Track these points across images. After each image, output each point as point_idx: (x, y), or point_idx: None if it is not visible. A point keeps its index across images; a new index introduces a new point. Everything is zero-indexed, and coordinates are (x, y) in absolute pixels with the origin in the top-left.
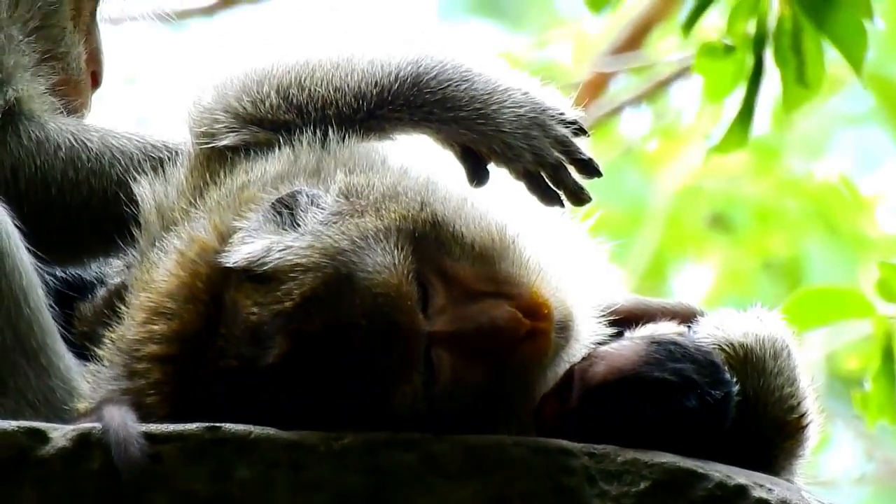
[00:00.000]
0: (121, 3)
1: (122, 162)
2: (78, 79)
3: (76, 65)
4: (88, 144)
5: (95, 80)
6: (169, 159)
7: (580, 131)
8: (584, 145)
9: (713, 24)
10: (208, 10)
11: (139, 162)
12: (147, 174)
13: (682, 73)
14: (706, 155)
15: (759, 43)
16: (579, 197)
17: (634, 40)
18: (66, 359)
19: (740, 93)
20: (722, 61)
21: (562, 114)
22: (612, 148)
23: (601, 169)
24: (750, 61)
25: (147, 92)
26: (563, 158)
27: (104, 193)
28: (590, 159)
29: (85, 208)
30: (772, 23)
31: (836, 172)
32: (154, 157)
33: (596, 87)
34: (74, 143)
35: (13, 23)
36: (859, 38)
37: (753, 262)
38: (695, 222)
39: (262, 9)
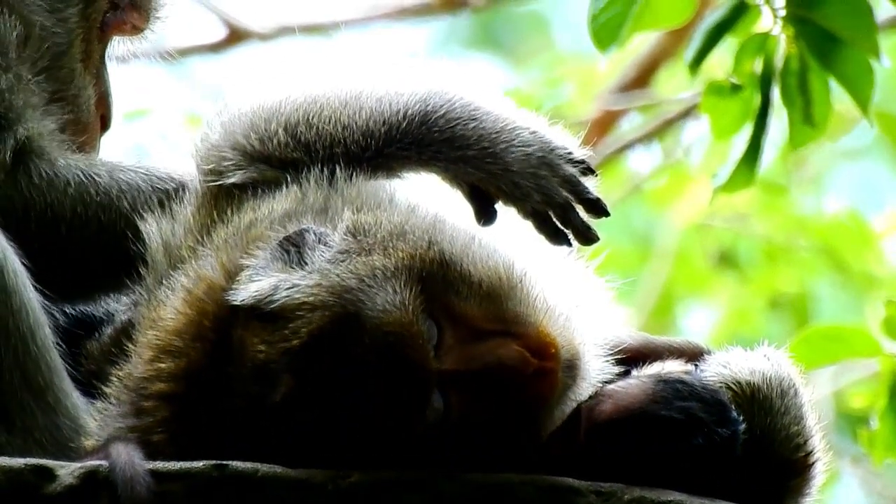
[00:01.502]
0: (128, 44)
1: (130, 195)
2: (87, 121)
3: (86, 106)
4: (97, 179)
5: (104, 124)
6: (175, 190)
7: (588, 171)
8: (593, 185)
9: (720, 62)
10: (215, 48)
11: (147, 195)
12: (154, 209)
13: (690, 111)
14: (713, 194)
15: (765, 82)
16: (587, 236)
17: (642, 78)
18: (73, 397)
19: (747, 131)
20: (729, 100)
21: (570, 153)
22: (620, 185)
23: (609, 209)
24: (757, 100)
25: (153, 128)
26: (572, 198)
27: (113, 228)
28: (598, 199)
29: (95, 244)
30: (779, 62)
31: (844, 209)
32: (161, 189)
33: (604, 124)
34: (84, 179)
35: (22, 62)
36: (866, 78)
37: (761, 300)
38: (702, 260)
39: (269, 46)
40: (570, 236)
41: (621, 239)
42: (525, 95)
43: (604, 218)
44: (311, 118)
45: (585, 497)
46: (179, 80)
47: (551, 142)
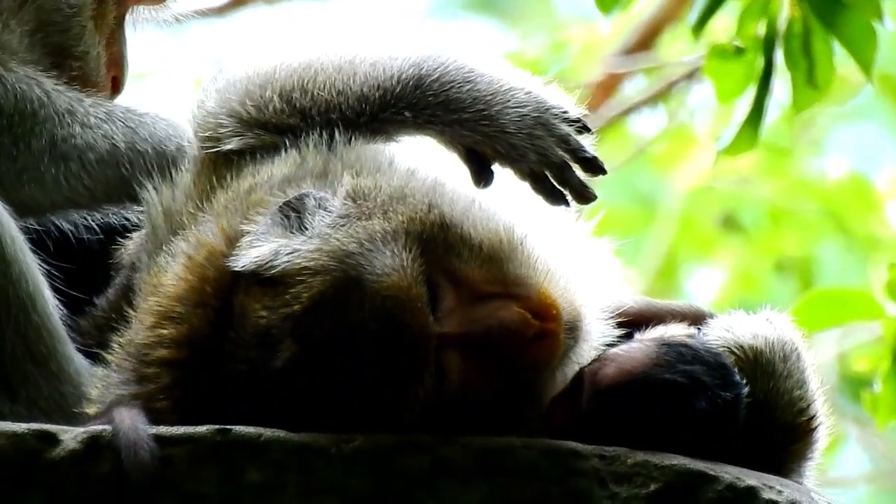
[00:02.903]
0: (150, 13)
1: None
2: (96, 80)
3: (95, 65)
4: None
5: (116, 86)
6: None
7: (584, 129)
8: (589, 143)
9: (723, 25)
10: (220, 11)
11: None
12: (151, 175)
13: (694, 74)
14: (717, 157)
15: (769, 45)
16: (584, 195)
17: (645, 42)
18: (76, 362)
19: (750, 94)
20: (732, 63)
21: (565, 112)
22: (624, 149)
23: (606, 167)
24: (760, 63)
25: (154, 92)
26: (568, 157)
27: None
28: (594, 157)
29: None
30: (782, 25)
31: (848, 172)
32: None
33: (607, 88)
34: (29, 94)
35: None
36: (869, 40)
37: (765, 263)
38: (706, 223)
39: (275, 9)
40: (568, 196)
41: (625, 202)
42: (528, 59)
43: (601, 176)
44: (305, 84)
45: (588, 461)
46: (183, 43)
47: (546, 102)
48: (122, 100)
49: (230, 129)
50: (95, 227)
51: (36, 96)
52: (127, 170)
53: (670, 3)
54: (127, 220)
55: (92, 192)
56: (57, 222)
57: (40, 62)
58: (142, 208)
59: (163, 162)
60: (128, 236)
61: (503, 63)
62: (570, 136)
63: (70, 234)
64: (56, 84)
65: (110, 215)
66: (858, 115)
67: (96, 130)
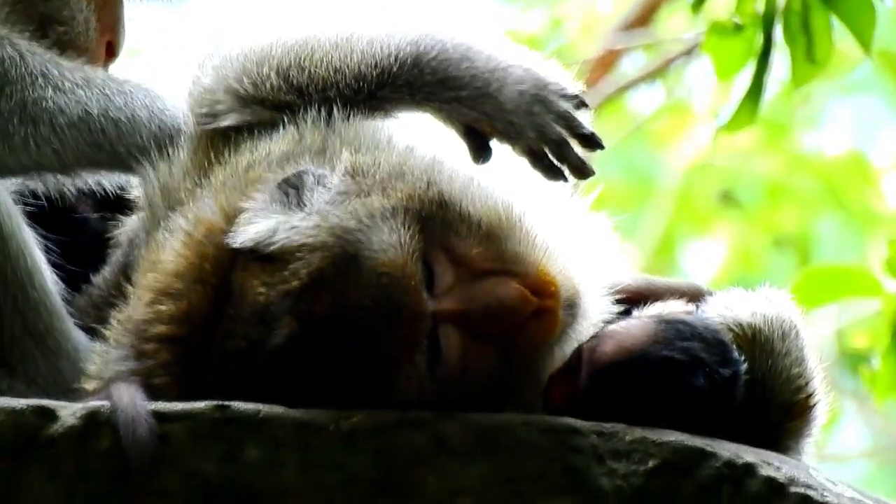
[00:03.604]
0: None
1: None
2: (86, 45)
3: (83, 30)
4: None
5: (111, 51)
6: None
7: (581, 105)
8: (586, 119)
9: (722, 2)
10: None
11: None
12: (151, 151)
13: (692, 50)
14: (716, 133)
15: (768, 21)
16: (583, 171)
17: (644, 18)
18: (74, 338)
19: (749, 71)
20: (731, 39)
21: (563, 88)
22: (622, 125)
23: (604, 142)
24: (759, 39)
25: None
26: (566, 133)
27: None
28: (592, 133)
29: None
30: (781, 1)
31: (846, 148)
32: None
33: (606, 64)
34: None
35: None
36: (868, 15)
37: (763, 239)
38: (705, 199)
39: None
40: (566, 172)
41: (623, 179)
42: (527, 36)
43: (598, 151)
44: (302, 61)
45: (587, 437)
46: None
47: (544, 78)
48: (117, 70)
49: (227, 105)
50: (93, 202)
51: (7, 56)
52: (99, 137)
53: None
54: (124, 195)
55: (61, 157)
56: (52, 194)
57: (24, 25)
58: (114, 176)
59: (136, 132)
60: (126, 213)
61: (501, 39)
62: (569, 112)
63: (68, 209)
64: (32, 46)
65: (106, 189)
66: (857, 90)
67: (70, 95)
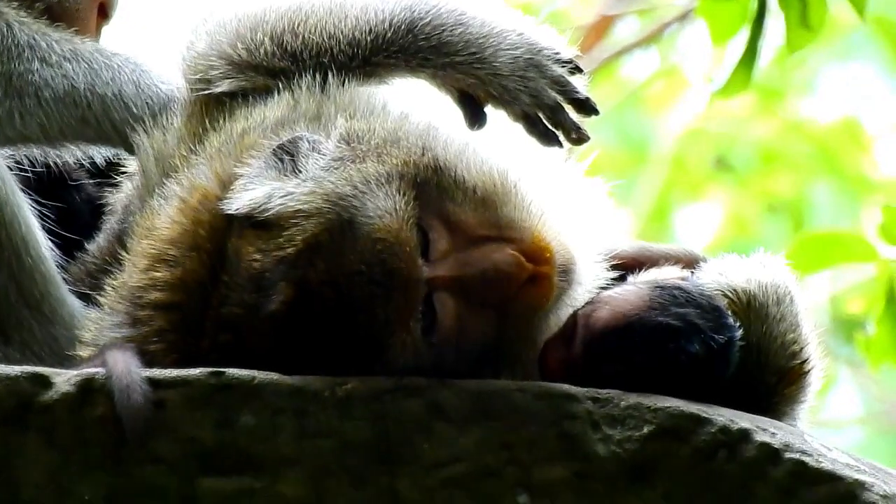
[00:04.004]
0: None
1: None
2: (75, 7)
3: None
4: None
5: (104, 12)
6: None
7: (576, 70)
8: (581, 84)
9: None
10: None
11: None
12: (135, 127)
13: (687, 15)
14: (710, 99)
15: None
16: (578, 136)
17: None
18: (69, 305)
19: (744, 35)
20: (726, 4)
21: (557, 53)
22: (616, 91)
23: (598, 107)
24: (753, 4)
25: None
26: (561, 98)
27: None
28: (587, 98)
29: None
30: None
31: (840, 113)
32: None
33: (600, 29)
34: None
35: None
36: None
37: (757, 204)
38: (699, 164)
39: None
40: (561, 137)
41: (617, 144)
42: (522, 1)
43: (593, 117)
44: (296, 27)
45: (582, 403)
46: None
47: (538, 43)
48: (107, 41)
49: (221, 71)
50: (87, 169)
51: None
52: (85, 111)
53: None
54: (119, 162)
55: (46, 131)
56: (49, 162)
57: None
58: (102, 149)
59: (123, 107)
60: (120, 180)
61: (495, 4)
62: (563, 77)
63: (63, 176)
64: (20, 16)
65: (98, 159)
66: (851, 56)
67: (56, 69)
